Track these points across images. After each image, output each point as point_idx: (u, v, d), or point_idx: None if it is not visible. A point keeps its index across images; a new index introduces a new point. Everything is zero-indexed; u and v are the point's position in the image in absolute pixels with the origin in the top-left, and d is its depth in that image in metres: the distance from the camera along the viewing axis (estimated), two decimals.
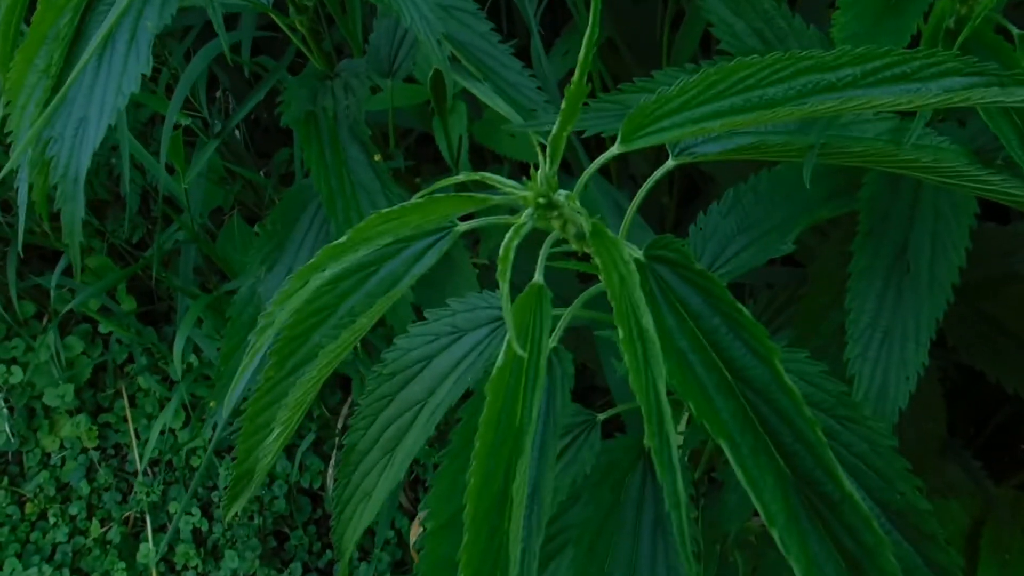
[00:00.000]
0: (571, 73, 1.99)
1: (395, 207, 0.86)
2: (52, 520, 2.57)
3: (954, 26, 1.12)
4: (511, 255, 0.82)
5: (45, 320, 2.63)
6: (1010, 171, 1.10)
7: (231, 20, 2.28)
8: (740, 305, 0.86)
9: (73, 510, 2.57)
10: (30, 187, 1.40)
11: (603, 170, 1.57)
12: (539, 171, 0.86)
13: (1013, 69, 1.05)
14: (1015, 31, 1.15)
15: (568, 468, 1.23)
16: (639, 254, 0.92)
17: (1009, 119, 1.07)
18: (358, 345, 2.25)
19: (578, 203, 0.88)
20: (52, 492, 2.58)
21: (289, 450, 2.55)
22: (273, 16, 1.73)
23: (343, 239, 0.86)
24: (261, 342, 0.90)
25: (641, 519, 1.23)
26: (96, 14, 1.34)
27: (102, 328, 2.61)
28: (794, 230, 1.28)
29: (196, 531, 2.53)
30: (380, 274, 1.00)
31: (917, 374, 1.26)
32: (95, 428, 2.61)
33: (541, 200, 0.86)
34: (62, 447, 2.62)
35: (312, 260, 0.86)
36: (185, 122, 2.24)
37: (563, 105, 0.82)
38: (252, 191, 2.50)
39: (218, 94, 2.47)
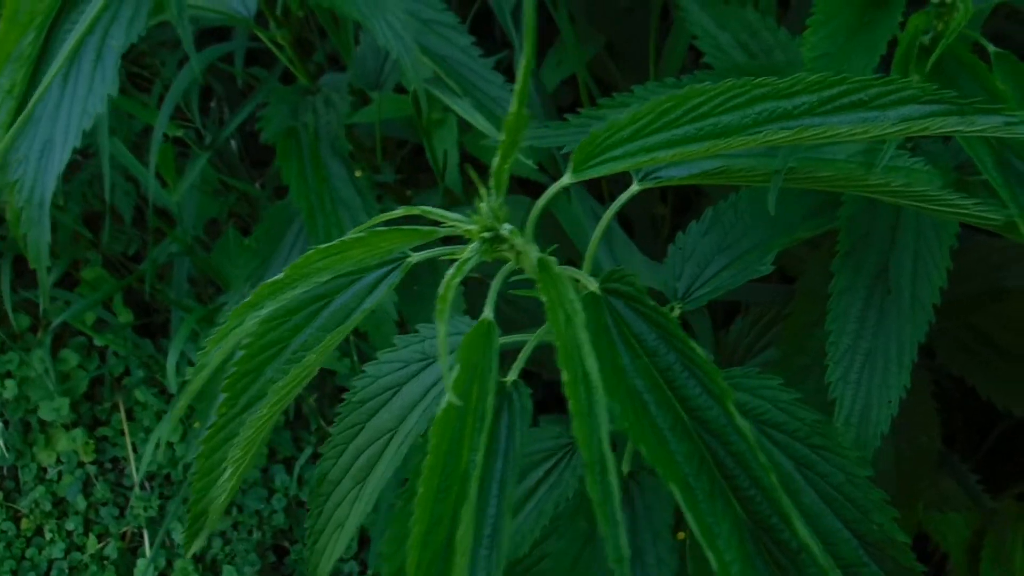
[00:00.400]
0: (564, 84, 1.97)
1: (335, 241, 0.83)
2: (48, 536, 2.55)
3: (929, 43, 1.09)
4: (451, 294, 0.79)
5: (40, 333, 2.61)
6: (988, 190, 1.07)
7: (226, 30, 2.26)
8: (693, 343, 0.83)
9: (70, 525, 2.55)
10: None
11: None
12: (484, 204, 0.83)
13: (987, 89, 1.03)
14: (991, 49, 1.11)
15: (551, 492, 1.21)
16: (595, 287, 0.89)
17: (985, 141, 1.04)
18: (354, 356, 2.23)
19: (522, 237, 0.85)
20: (48, 507, 2.56)
21: (288, 463, 2.53)
22: (256, 31, 1.70)
23: (280, 275, 0.83)
24: (197, 383, 0.88)
25: None
26: (61, 33, 1.32)
27: (97, 341, 2.59)
28: (773, 250, 1.25)
29: None
30: (332, 307, 0.97)
31: (900, 397, 1.23)
32: (92, 442, 2.59)
33: (486, 234, 0.83)
34: (58, 461, 2.60)
35: (248, 298, 0.83)
36: (177, 133, 2.22)
37: (502, 137, 0.79)
38: (247, 203, 2.48)
39: (213, 105, 2.45)
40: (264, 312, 0.83)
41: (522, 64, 0.76)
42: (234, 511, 2.51)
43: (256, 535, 2.50)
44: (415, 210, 0.85)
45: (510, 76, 1.66)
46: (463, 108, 1.51)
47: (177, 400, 0.92)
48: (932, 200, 1.00)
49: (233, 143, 2.42)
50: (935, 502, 1.76)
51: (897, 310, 1.22)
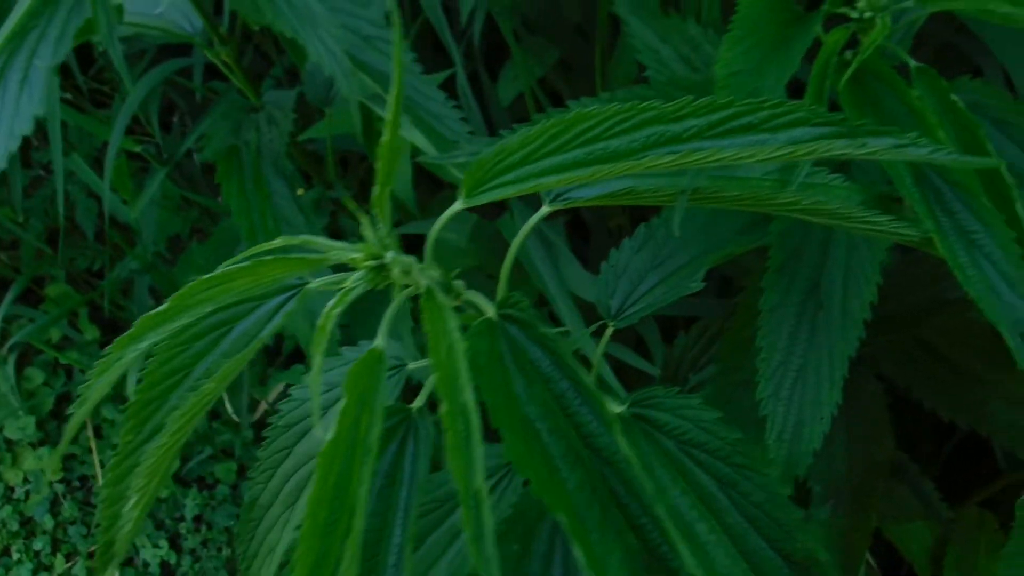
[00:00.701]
0: (520, 97, 1.96)
1: (220, 271, 0.82)
2: (16, 556, 2.53)
3: (851, 59, 1.08)
4: (329, 324, 0.77)
5: (5, 350, 2.60)
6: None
7: (188, 44, 2.25)
8: (582, 369, 0.82)
9: (37, 545, 2.53)
10: None
11: None
12: (369, 231, 0.82)
13: (906, 103, 1.01)
14: (912, 64, 1.10)
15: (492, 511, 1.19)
16: (492, 312, 0.87)
17: None
18: None
19: (420, 263, 0.83)
20: (15, 527, 2.54)
21: None
22: (203, 49, 1.69)
23: (163, 307, 0.82)
24: (80, 415, 0.86)
25: (550, 572, 1.18)
26: None
27: (63, 359, 2.58)
28: (705, 266, 1.23)
29: (164, 564, 2.49)
30: (233, 334, 0.96)
31: (832, 414, 1.22)
32: (59, 460, 2.57)
33: (371, 263, 0.82)
34: (25, 480, 2.58)
35: (130, 330, 0.82)
36: (135, 149, 2.20)
37: (378, 165, 0.78)
38: (210, 218, 2.46)
39: (175, 120, 2.43)
40: (144, 345, 0.82)
41: (391, 94, 0.74)
42: (203, 528, 2.49)
43: (226, 552, 2.48)
44: (295, 240, 0.83)
45: (458, 92, 1.65)
46: (402, 125, 1.49)
47: (65, 433, 0.91)
48: (844, 218, 0.99)
49: (196, 157, 2.41)
50: (890, 513, 1.75)
51: (829, 326, 1.21)
